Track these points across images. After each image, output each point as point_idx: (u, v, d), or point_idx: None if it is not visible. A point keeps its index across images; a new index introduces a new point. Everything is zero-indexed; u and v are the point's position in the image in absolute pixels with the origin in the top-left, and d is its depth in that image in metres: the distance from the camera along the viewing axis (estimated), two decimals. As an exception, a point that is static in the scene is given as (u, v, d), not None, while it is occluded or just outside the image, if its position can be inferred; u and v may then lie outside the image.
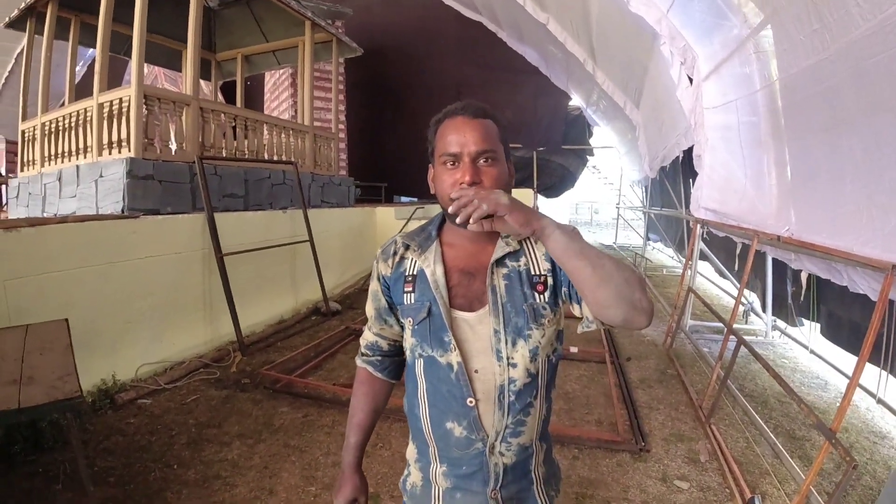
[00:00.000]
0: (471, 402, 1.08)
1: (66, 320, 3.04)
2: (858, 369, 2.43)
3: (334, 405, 3.76)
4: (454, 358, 1.08)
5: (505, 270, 1.10)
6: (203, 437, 3.31)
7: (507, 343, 1.07)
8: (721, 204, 4.75)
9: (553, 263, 1.10)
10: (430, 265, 1.13)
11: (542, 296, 1.08)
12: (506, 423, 1.08)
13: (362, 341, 1.34)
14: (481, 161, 1.05)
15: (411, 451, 1.24)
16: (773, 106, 3.73)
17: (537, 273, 1.10)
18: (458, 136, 1.05)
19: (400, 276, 1.17)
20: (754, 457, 3.08)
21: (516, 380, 1.07)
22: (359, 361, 1.34)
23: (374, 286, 1.24)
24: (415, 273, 1.15)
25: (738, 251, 4.62)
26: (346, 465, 1.29)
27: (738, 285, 5.87)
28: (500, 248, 1.10)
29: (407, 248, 1.18)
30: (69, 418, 2.13)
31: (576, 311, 1.09)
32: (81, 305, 3.75)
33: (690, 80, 5.00)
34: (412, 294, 1.14)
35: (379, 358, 1.31)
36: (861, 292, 2.89)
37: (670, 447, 3.19)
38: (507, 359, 1.07)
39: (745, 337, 4.03)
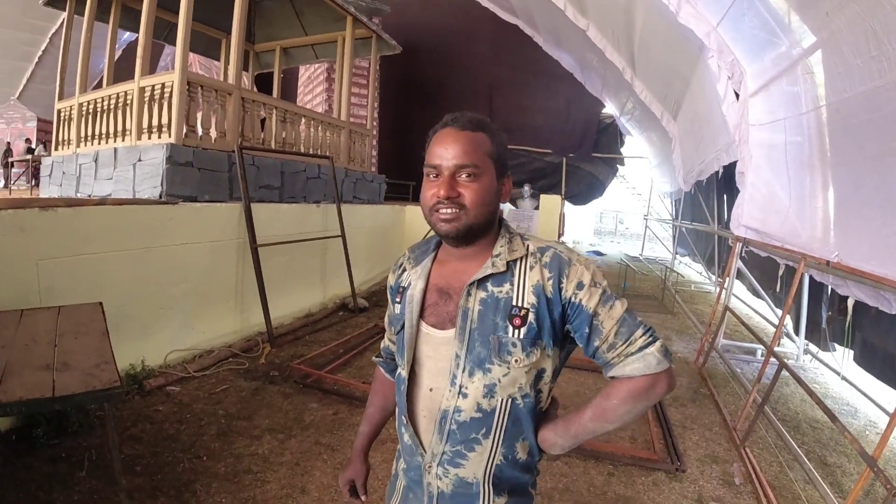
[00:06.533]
0: (405, 419, 1.12)
1: (101, 304, 2.95)
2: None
3: (364, 404, 3.70)
4: (405, 373, 1.12)
5: (483, 294, 1.04)
6: (233, 429, 3.29)
7: (464, 370, 1.04)
8: (763, 224, 4.65)
9: (542, 299, 1.01)
10: (416, 280, 1.14)
11: (517, 330, 1.01)
12: (443, 448, 1.07)
13: (382, 343, 1.40)
14: (462, 175, 1.01)
15: None
16: (822, 129, 3.66)
17: (518, 304, 1.02)
18: (441, 149, 1.02)
19: (397, 288, 1.21)
20: (787, 481, 3.05)
21: (463, 410, 1.04)
22: (375, 360, 1.41)
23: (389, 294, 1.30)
24: (405, 286, 1.17)
25: (780, 272, 4.51)
26: (354, 448, 1.38)
27: (775, 306, 5.77)
28: (484, 269, 1.04)
29: (409, 260, 1.21)
30: (106, 408, 2.07)
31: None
32: (114, 288, 3.74)
33: (737, 95, 4.91)
34: (399, 305, 1.18)
35: (389, 360, 1.36)
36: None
37: (705, 468, 3.15)
38: (461, 386, 1.04)
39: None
